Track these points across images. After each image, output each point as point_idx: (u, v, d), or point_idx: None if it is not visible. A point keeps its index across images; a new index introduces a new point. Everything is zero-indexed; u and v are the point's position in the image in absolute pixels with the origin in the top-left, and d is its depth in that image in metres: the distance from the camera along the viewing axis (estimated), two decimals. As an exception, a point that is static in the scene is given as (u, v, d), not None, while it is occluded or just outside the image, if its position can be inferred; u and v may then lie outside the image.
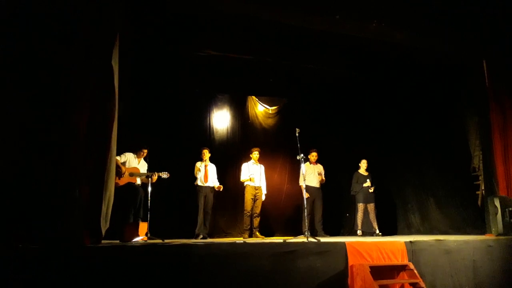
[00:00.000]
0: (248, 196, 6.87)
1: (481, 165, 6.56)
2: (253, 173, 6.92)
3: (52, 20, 4.02)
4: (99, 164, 3.93)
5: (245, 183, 6.96)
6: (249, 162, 7.08)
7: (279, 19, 5.40)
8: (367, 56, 6.78)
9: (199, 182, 6.61)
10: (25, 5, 3.97)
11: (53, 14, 4.02)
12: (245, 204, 6.89)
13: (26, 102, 3.84)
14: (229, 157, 7.75)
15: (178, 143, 7.28)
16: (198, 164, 6.69)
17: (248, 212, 6.85)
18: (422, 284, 4.04)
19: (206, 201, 6.59)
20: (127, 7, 4.52)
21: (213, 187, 6.69)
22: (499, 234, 5.19)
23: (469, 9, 5.57)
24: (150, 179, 5.53)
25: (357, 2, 5.29)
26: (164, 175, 5.68)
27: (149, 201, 5.39)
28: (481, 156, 6.47)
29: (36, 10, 3.99)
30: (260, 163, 7.13)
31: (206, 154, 6.69)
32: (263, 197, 7.00)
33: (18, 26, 3.95)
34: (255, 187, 6.91)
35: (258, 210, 6.88)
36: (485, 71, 5.93)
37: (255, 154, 7.06)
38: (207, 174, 6.67)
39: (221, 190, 6.70)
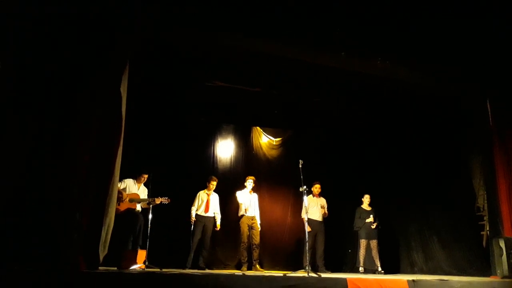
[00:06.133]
0: (244, 227, 6.70)
1: (485, 205, 6.48)
2: (247, 202, 6.79)
3: (62, 42, 4.12)
4: (101, 189, 3.94)
5: (240, 213, 6.83)
6: (243, 190, 6.95)
7: (286, 54, 5.52)
8: (373, 93, 6.85)
9: (199, 212, 6.52)
10: (35, 30, 4.09)
11: (64, 36, 4.14)
12: (241, 236, 6.70)
13: (33, 125, 3.89)
14: (231, 187, 7.69)
15: (181, 170, 7.26)
16: (201, 193, 6.64)
17: (245, 244, 6.65)
18: (425, 326, 3.92)
19: (205, 232, 6.47)
20: (138, 36, 4.64)
21: (214, 218, 6.59)
22: (504, 277, 5.05)
23: (472, 48, 5.67)
24: (150, 205, 5.50)
25: (363, 41, 5.41)
26: (165, 200, 5.64)
27: (149, 228, 5.34)
28: (485, 196, 6.40)
29: (46, 33, 4.11)
30: (254, 192, 7.00)
31: (214, 184, 6.64)
32: (259, 227, 6.83)
33: (29, 49, 4.06)
34: (250, 217, 6.78)
35: (256, 241, 6.70)
36: (489, 111, 5.96)
37: (250, 183, 6.92)
38: (208, 204, 6.59)
39: (217, 229, 6.60)
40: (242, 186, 7.05)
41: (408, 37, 5.49)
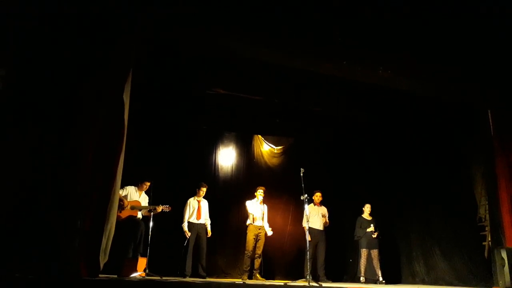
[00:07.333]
0: (251, 236, 6.67)
1: (487, 215, 6.45)
2: (256, 212, 6.77)
3: (62, 42, 4.11)
4: (103, 196, 3.94)
5: (247, 222, 6.82)
6: (252, 200, 6.95)
7: (288, 63, 5.53)
8: (374, 101, 6.87)
9: (191, 219, 6.49)
10: (35, 30, 4.09)
11: (64, 36, 4.13)
12: (246, 244, 6.69)
13: (34, 126, 3.88)
14: (232, 195, 7.71)
15: (183, 178, 7.27)
16: (191, 200, 6.63)
17: (249, 253, 6.63)
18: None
19: (199, 239, 6.44)
20: (138, 36, 4.63)
21: (205, 225, 6.56)
22: (506, 288, 5.03)
23: (473, 58, 5.68)
24: (151, 212, 5.50)
25: (364, 50, 5.43)
26: (166, 208, 5.66)
27: (149, 236, 5.33)
28: (487, 206, 6.38)
29: (46, 33, 4.10)
30: (264, 203, 6.98)
31: (204, 190, 6.65)
32: (270, 233, 6.79)
33: (29, 49, 4.05)
34: (258, 226, 6.76)
35: (259, 250, 6.68)
36: (491, 121, 5.96)
37: (260, 193, 6.89)
38: (200, 210, 6.56)
39: (209, 236, 6.56)
40: (252, 196, 7.00)
41: (408, 37, 5.49)
